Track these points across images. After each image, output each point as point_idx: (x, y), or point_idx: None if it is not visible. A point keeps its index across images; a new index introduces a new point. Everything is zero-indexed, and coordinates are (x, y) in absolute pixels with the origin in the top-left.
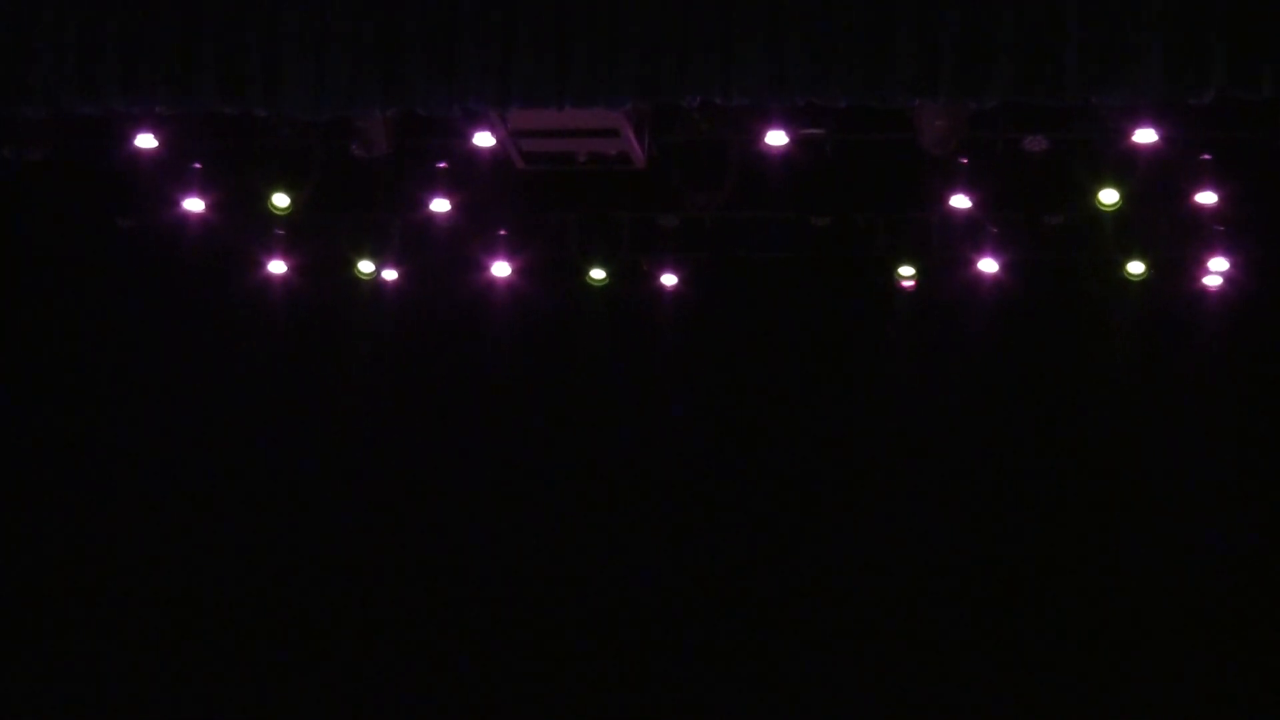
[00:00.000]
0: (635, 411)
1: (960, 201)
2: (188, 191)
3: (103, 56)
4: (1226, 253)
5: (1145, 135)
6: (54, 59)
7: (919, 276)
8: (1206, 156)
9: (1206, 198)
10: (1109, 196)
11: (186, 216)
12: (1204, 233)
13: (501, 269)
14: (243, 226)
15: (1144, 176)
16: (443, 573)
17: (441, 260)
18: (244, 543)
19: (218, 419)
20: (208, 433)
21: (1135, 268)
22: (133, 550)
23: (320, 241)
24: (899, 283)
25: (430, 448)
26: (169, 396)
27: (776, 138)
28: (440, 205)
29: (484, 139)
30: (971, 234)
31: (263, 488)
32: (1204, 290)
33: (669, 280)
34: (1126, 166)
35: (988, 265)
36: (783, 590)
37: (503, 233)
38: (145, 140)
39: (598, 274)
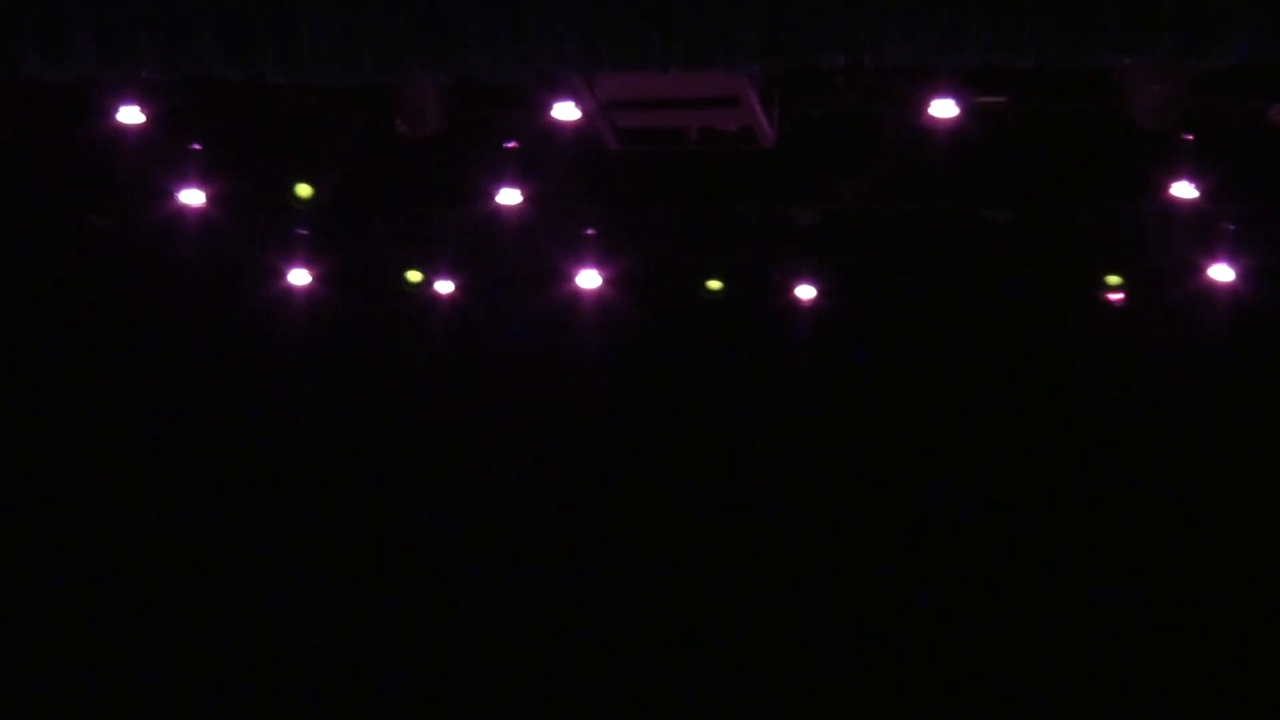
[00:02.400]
0: (765, 460)
1: (1184, 190)
2: (184, 181)
3: (73, 9)
4: None
5: None
6: (11, 12)
7: (1130, 287)
8: None
9: None
10: None
11: (182, 213)
12: None
13: (589, 279)
14: (255, 225)
15: None
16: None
17: (510, 268)
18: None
19: (219, 473)
20: (208, 490)
21: None
22: (127, 584)
23: (354, 244)
24: (1103, 295)
25: (499, 509)
26: (157, 445)
27: (943, 109)
28: (509, 197)
29: (566, 112)
30: (1199, 232)
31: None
32: None
33: (805, 292)
34: None
35: (1221, 272)
36: (982, 637)
37: (590, 232)
38: (129, 115)
39: (714, 284)
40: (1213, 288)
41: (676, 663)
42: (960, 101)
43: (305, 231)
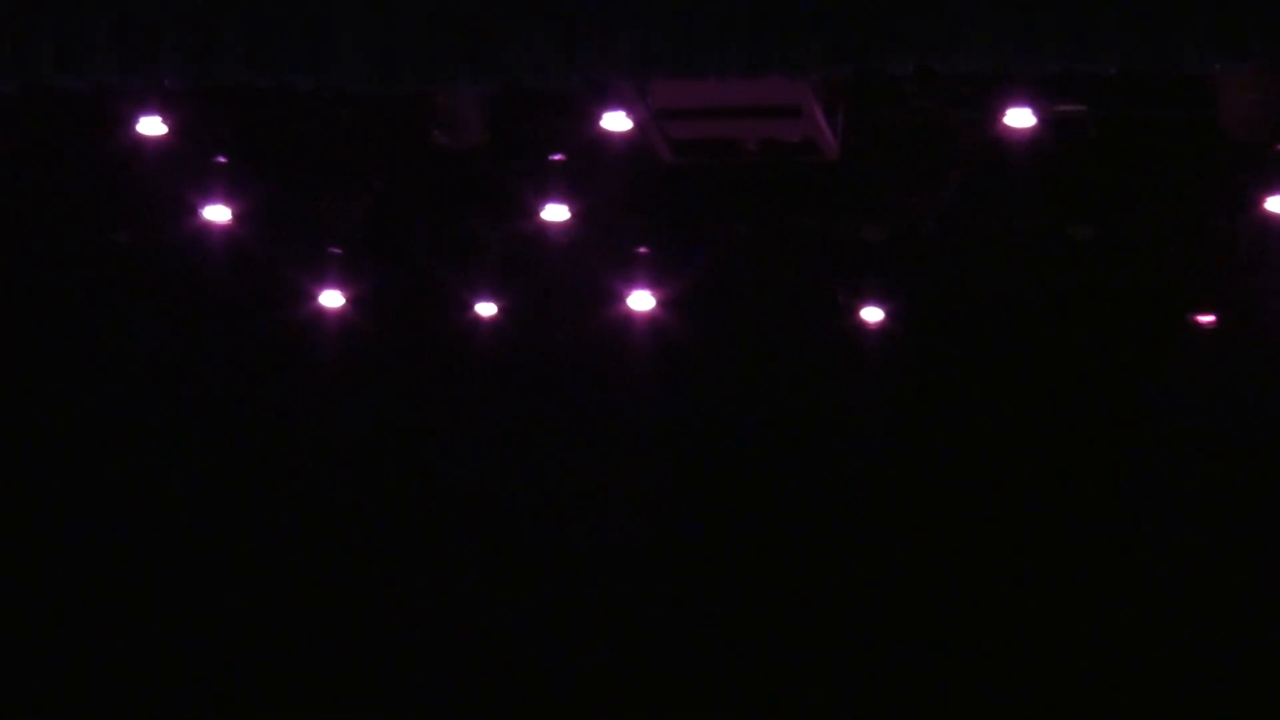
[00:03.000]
0: (829, 497)
1: None
2: (208, 196)
3: (92, 14)
4: None
5: None
6: (27, 18)
7: (1221, 310)
8: None
9: None
10: None
11: (207, 230)
12: None
13: (641, 300)
14: (284, 243)
15: None
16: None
17: (557, 289)
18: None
19: (250, 506)
20: (238, 523)
21: None
22: (149, 618)
23: (390, 264)
24: (1192, 318)
25: (545, 547)
26: (182, 475)
27: (1020, 118)
28: (555, 213)
29: (616, 122)
30: None
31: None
32: None
33: (873, 315)
34: None
35: None
36: (1071, 664)
37: (642, 251)
38: (150, 126)
39: (776, 306)
40: None
41: (744, 695)
42: (1038, 110)
43: (338, 250)
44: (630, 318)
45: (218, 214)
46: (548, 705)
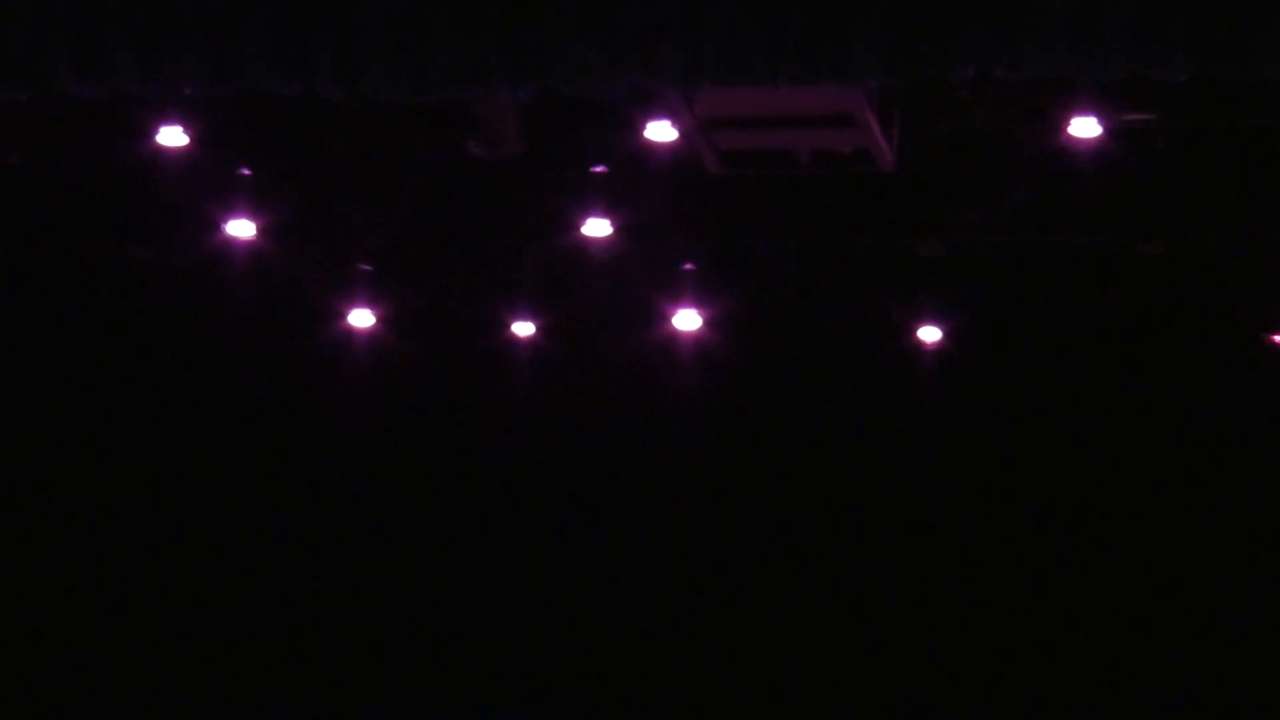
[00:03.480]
0: (884, 527)
1: None
2: (231, 210)
3: (110, 19)
4: None
5: None
6: (42, 22)
7: None
8: None
9: None
10: None
11: (230, 245)
12: None
13: (687, 320)
14: (312, 260)
15: None
16: None
17: (598, 308)
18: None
19: (274, 534)
20: (262, 552)
21: None
22: (163, 644)
23: (424, 281)
24: (1268, 338)
25: (585, 581)
26: (204, 500)
27: (1085, 128)
28: (596, 228)
29: (661, 132)
30: None
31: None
32: None
33: (930, 334)
34: None
35: None
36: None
37: (688, 267)
38: (170, 136)
39: (828, 326)
40: None
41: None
42: (1104, 120)
43: (368, 267)
44: (675, 338)
45: (241, 229)
46: None
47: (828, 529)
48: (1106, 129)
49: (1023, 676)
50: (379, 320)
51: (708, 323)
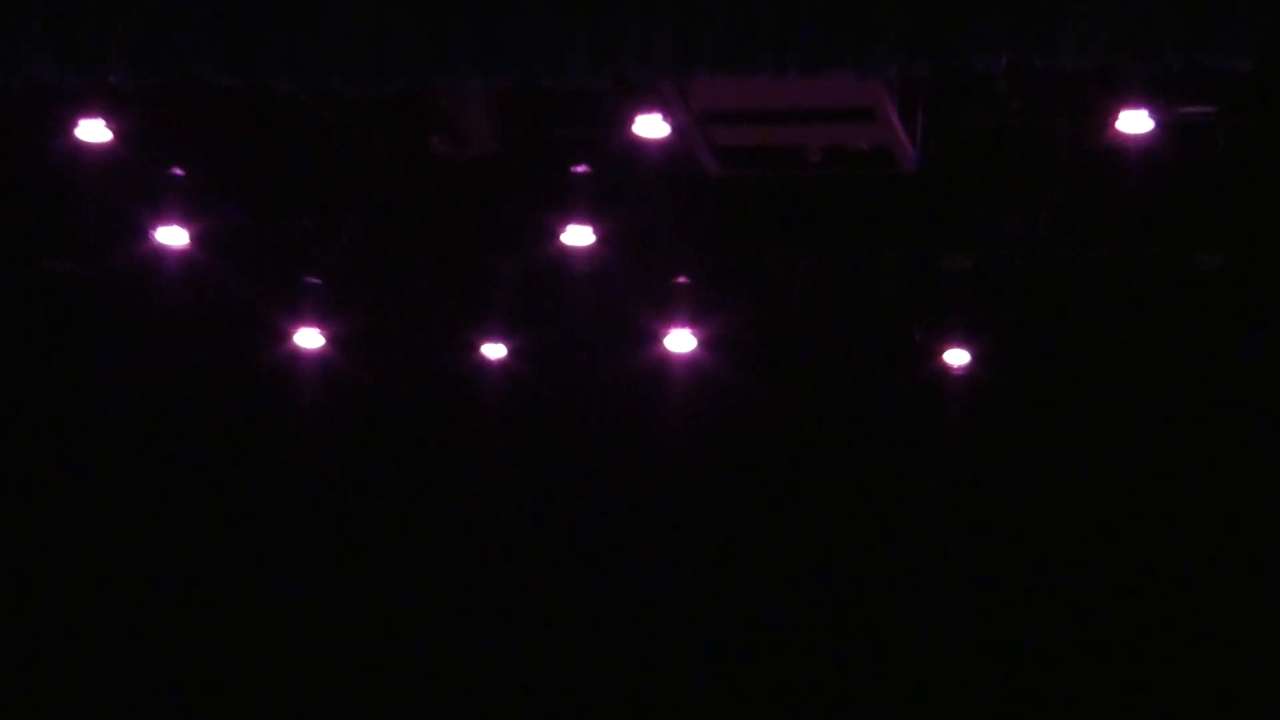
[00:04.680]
0: (908, 573)
1: None
2: (162, 215)
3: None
4: None
5: None
6: None
7: None
8: None
9: None
10: None
11: (160, 255)
12: None
13: (680, 340)
14: (254, 272)
15: None
16: None
17: (581, 327)
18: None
19: (216, 572)
20: (207, 596)
21: None
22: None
23: (380, 296)
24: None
25: (567, 626)
26: (136, 538)
27: (1134, 123)
28: (579, 236)
29: (653, 128)
30: None
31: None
32: None
33: (957, 358)
34: None
35: None
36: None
37: (682, 281)
38: (92, 131)
39: (841, 347)
40: None
41: None
42: (1156, 114)
43: (317, 281)
44: (667, 361)
45: (173, 237)
46: None
47: (841, 576)
48: (1159, 124)
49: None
50: (329, 341)
51: (704, 344)
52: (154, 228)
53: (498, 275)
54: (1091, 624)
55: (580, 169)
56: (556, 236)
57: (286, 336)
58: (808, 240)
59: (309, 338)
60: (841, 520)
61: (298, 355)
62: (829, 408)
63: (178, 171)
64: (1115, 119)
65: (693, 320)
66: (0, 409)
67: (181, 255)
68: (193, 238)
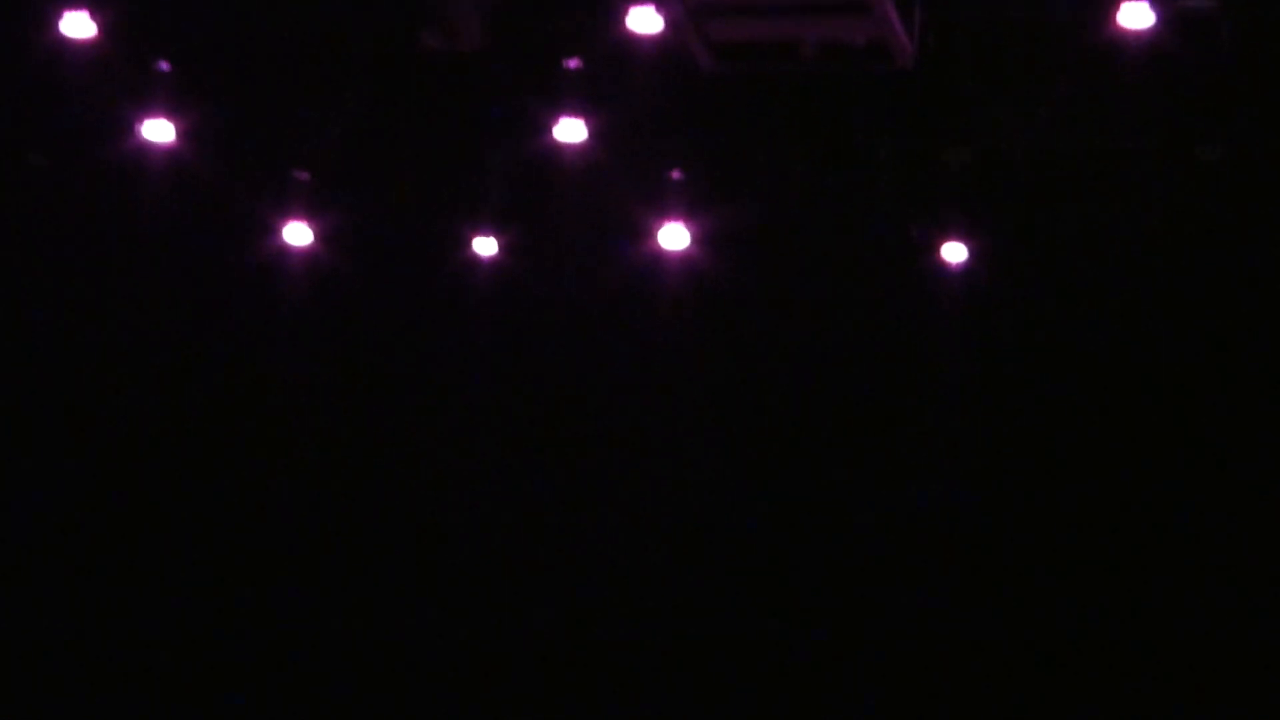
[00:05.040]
0: (903, 467)
1: None
2: (148, 110)
3: None
4: None
5: None
6: None
7: None
8: None
9: None
10: None
11: (146, 151)
12: None
13: (674, 236)
14: (241, 167)
15: None
16: None
17: (573, 223)
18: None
19: (196, 473)
20: (188, 490)
21: None
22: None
23: (370, 192)
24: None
25: (552, 523)
26: (115, 439)
27: (1136, 16)
28: (571, 132)
29: (645, 21)
30: None
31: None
32: None
33: (955, 254)
34: None
35: None
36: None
37: (676, 176)
38: (75, 25)
39: (837, 244)
40: None
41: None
42: (1157, 6)
43: (306, 176)
44: (661, 258)
45: (159, 132)
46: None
47: (838, 481)
48: (1160, 17)
49: (1055, 612)
50: (318, 237)
51: (698, 240)
52: (139, 122)
53: (489, 171)
54: (1092, 522)
55: (572, 63)
56: (548, 131)
57: (275, 232)
58: (802, 137)
59: (298, 233)
60: (838, 416)
61: (286, 251)
62: (825, 303)
63: (163, 65)
64: (1116, 12)
65: (687, 216)
66: None
67: (167, 150)
68: (178, 132)
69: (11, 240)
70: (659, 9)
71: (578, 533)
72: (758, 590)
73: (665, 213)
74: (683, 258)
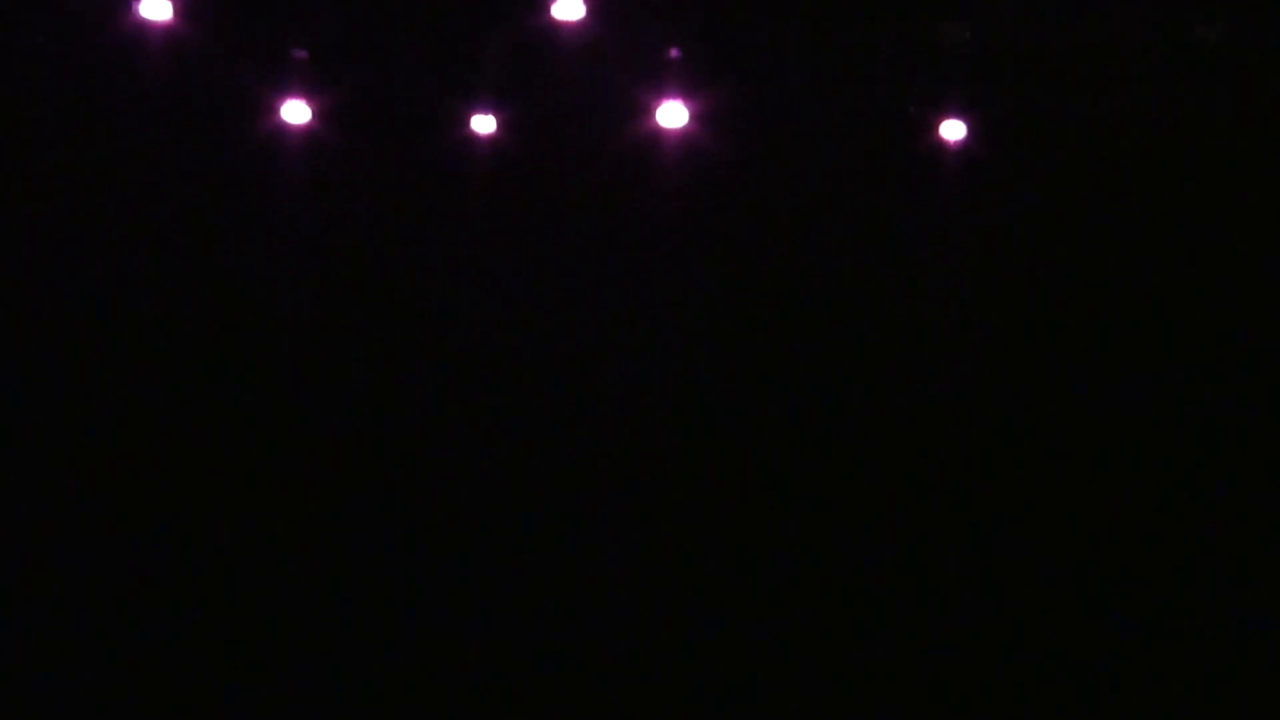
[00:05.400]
0: (895, 358)
1: None
2: None
3: None
4: None
5: None
6: None
7: None
8: None
9: None
10: None
11: (142, 28)
12: None
13: (672, 114)
14: (238, 44)
15: None
16: None
17: (571, 99)
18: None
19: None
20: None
21: None
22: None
23: (368, 69)
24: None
25: (547, 414)
26: (109, 332)
27: None
28: (569, 9)
29: None
30: None
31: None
32: None
33: (953, 131)
34: None
35: None
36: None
37: (674, 54)
38: None
39: (835, 121)
40: None
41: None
42: None
43: (304, 53)
44: (659, 135)
45: (155, 9)
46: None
47: (832, 360)
48: None
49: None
50: (316, 115)
51: (696, 117)
52: (138, 1)
53: (486, 46)
54: (1091, 406)
55: None
56: (546, 8)
57: (273, 110)
58: (801, 11)
59: (296, 111)
60: (835, 294)
61: (284, 130)
62: (823, 181)
63: None
64: None
65: (685, 94)
66: None
67: (163, 28)
68: (174, 10)
69: (5, 118)
70: None
71: (573, 408)
72: (751, 473)
73: (663, 91)
74: (681, 136)
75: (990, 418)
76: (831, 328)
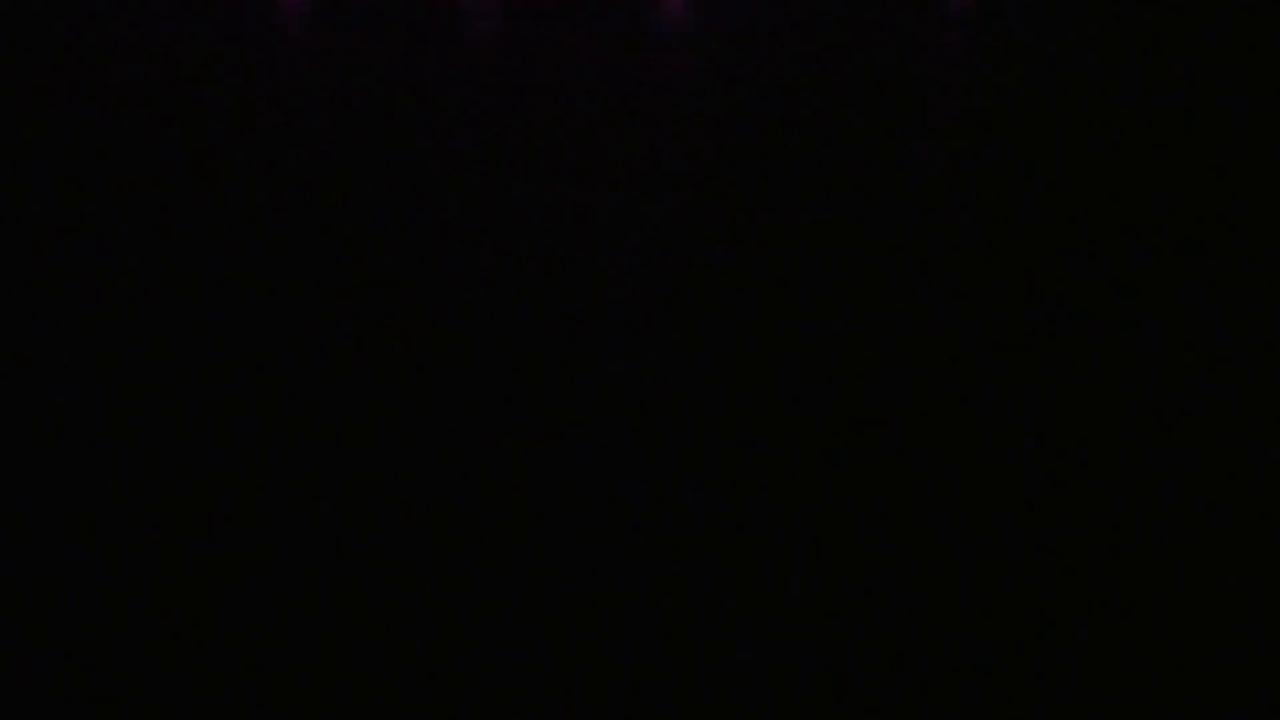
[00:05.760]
0: (901, 240)
1: None
2: None
3: None
4: None
5: None
6: None
7: None
8: None
9: None
10: None
11: None
12: None
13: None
14: None
15: None
16: None
17: None
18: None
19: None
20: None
21: None
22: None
23: None
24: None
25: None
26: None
27: None
28: None
29: None
30: None
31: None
32: None
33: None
34: None
35: None
36: None
37: None
38: None
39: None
40: None
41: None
42: None
43: None
44: (661, 22)
45: None
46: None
47: (837, 233)
48: None
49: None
50: None
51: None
52: None
53: None
54: (1094, 277)
55: None
56: None
57: None
58: None
59: None
60: (840, 168)
61: (283, 10)
62: (830, 50)
63: None
64: None
65: None
66: None
67: None
68: None
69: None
70: None
71: (568, 300)
72: (752, 367)
73: None
74: (678, 22)
75: (987, 286)
76: (834, 193)
